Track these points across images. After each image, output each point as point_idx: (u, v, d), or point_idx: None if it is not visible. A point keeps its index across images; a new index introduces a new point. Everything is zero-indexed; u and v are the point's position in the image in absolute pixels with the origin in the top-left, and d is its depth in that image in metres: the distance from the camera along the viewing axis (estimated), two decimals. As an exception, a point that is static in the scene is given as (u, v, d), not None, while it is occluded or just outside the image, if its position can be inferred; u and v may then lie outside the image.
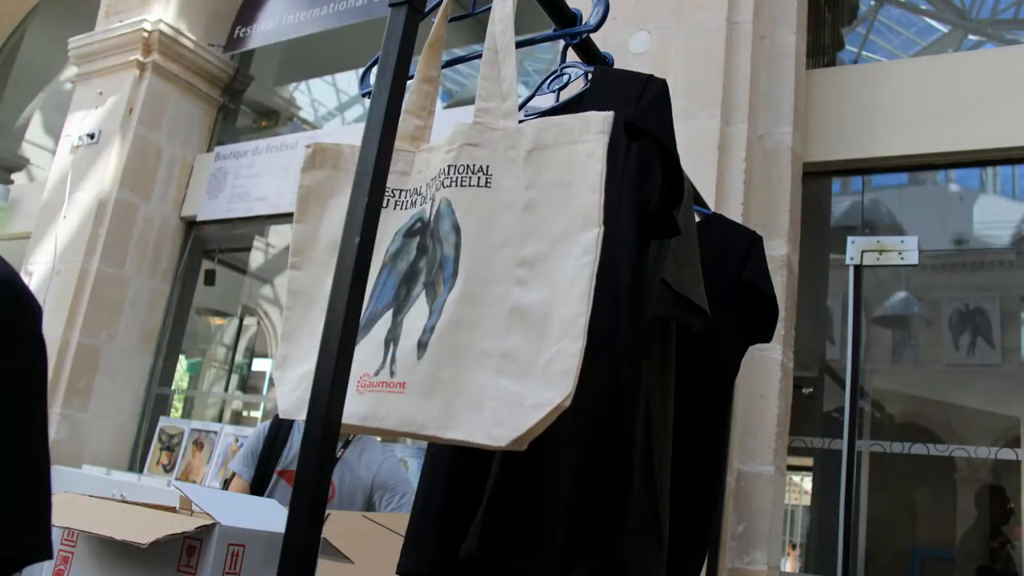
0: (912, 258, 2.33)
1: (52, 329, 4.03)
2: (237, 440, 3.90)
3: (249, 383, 7.28)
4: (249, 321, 6.98)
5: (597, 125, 1.03)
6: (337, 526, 1.43)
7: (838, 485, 2.32)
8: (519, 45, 1.21)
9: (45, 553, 0.90)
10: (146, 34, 4.45)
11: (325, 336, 0.93)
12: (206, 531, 1.23)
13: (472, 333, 1.01)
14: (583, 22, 1.49)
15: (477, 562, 1.18)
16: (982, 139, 2.69)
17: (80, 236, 4.29)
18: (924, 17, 4.17)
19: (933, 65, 2.94)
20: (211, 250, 4.92)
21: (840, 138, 2.88)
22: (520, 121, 1.10)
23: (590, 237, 0.98)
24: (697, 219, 1.74)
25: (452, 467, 1.27)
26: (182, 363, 5.52)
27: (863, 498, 3.62)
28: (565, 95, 1.53)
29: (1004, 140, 2.66)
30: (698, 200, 1.90)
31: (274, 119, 5.48)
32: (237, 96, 5.01)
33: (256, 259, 6.02)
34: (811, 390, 3.73)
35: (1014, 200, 4.79)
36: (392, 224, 1.16)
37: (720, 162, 2.52)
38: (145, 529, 1.18)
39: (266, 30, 4.65)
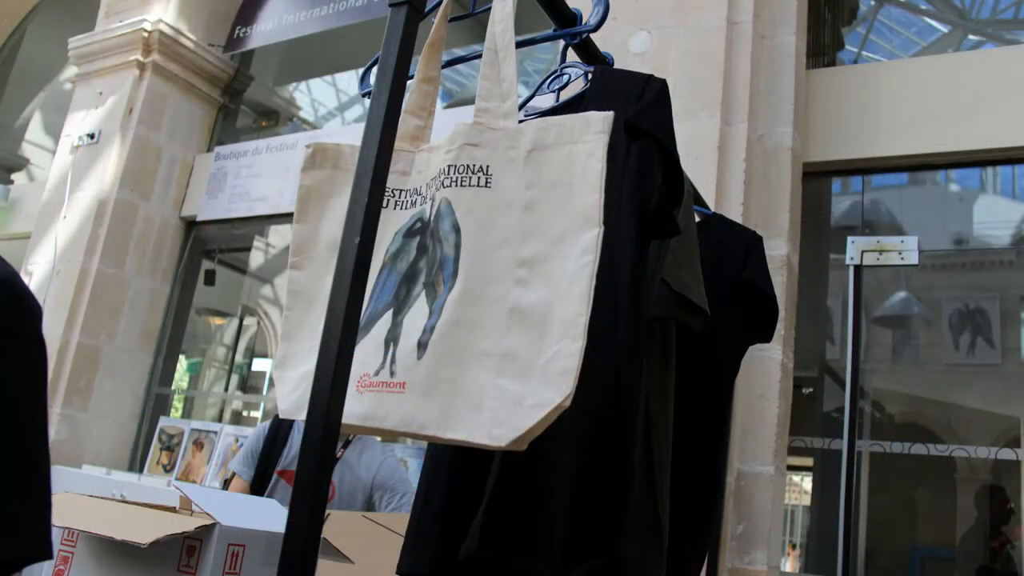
0: (912, 258, 2.33)
1: (52, 329, 4.03)
2: (237, 440, 3.90)
3: (249, 383, 7.27)
4: (249, 321, 6.97)
5: (597, 125, 1.03)
6: (337, 526, 1.43)
7: (838, 485, 2.32)
8: (519, 45, 1.21)
9: (45, 553, 0.90)
10: (146, 34, 4.45)
11: (325, 336, 0.93)
12: (206, 531, 1.23)
13: (472, 333, 1.01)
14: (583, 22, 1.49)
15: (477, 562, 1.18)
16: (982, 139, 2.69)
17: (80, 236, 4.29)
18: (924, 17, 4.17)
19: (933, 65, 2.93)
20: (211, 250, 4.92)
21: (840, 138, 2.88)
22: (520, 121, 1.10)
23: (590, 237, 0.98)
24: (697, 219, 1.74)
25: (452, 467, 1.27)
26: (182, 363, 5.51)
27: (863, 498, 3.62)
28: (565, 95, 1.53)
29: (1004, 140, 2.66)
30: (698, 200, 1.90)
31: (274, 119, 5.48)
32: (237, 96, 5.01)
33: (256, 259, 6.02)
34: (811, 390, 3.73)
35: (1014, 200, 4.79)
36: (392, 224, 1.16)
37: (720, 162, 2.52)
38: (145, 529, 1.19)
39: (266, 30, 4.65)
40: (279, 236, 5.61)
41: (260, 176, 4.38)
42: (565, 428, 1.01)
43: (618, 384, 1.23)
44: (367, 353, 1.08)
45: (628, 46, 2.76)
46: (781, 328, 2.38)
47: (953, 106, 2.76)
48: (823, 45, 3.49)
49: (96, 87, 4.61)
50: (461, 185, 1.08)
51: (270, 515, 1.41)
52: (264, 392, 6.57)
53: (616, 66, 1.58)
